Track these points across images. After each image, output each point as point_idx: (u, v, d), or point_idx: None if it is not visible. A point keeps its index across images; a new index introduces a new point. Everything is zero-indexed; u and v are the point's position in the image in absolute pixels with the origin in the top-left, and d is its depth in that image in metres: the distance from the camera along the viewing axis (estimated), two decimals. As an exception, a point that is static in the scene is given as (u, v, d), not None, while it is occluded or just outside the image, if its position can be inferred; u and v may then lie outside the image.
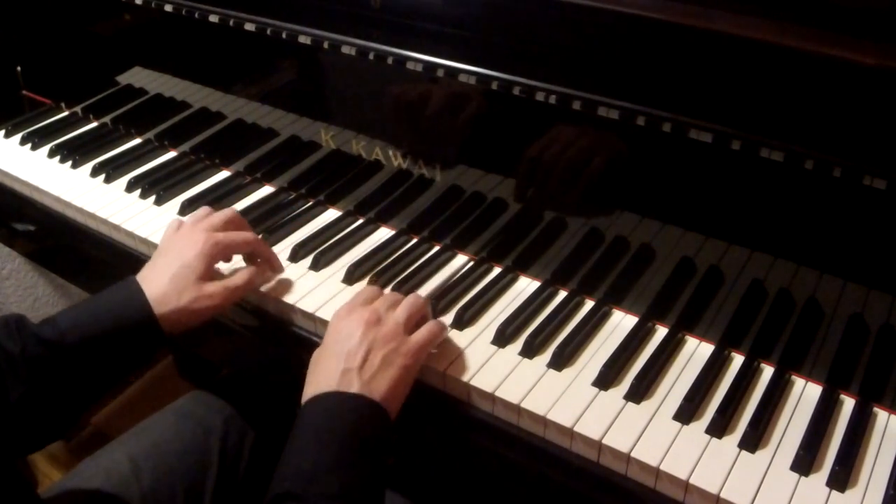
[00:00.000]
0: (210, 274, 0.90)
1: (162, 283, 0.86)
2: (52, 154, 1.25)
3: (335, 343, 0.82)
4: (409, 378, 0.81)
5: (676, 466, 0.75)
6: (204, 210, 0.98)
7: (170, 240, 0.94)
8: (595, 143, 0.88)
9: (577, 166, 0.90)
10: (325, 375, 0.79)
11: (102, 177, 1.19)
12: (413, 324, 0.85)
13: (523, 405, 0.81)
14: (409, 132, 1.01)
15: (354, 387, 0.77)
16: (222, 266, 0.98)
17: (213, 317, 0.90)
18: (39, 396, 0.80)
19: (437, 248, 1.04)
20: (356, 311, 0.85)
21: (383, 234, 1.08)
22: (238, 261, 0.99)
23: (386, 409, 0.77)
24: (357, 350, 0.80)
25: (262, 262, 0.97)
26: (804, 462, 0.75)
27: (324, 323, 0.91)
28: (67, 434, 1.69)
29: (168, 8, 1.11)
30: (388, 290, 0.94)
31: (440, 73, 0.92)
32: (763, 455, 0.77)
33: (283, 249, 1.03)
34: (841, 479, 0.74)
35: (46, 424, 0.83)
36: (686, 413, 0.80)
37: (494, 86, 0.89)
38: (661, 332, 0.91)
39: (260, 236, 1.00)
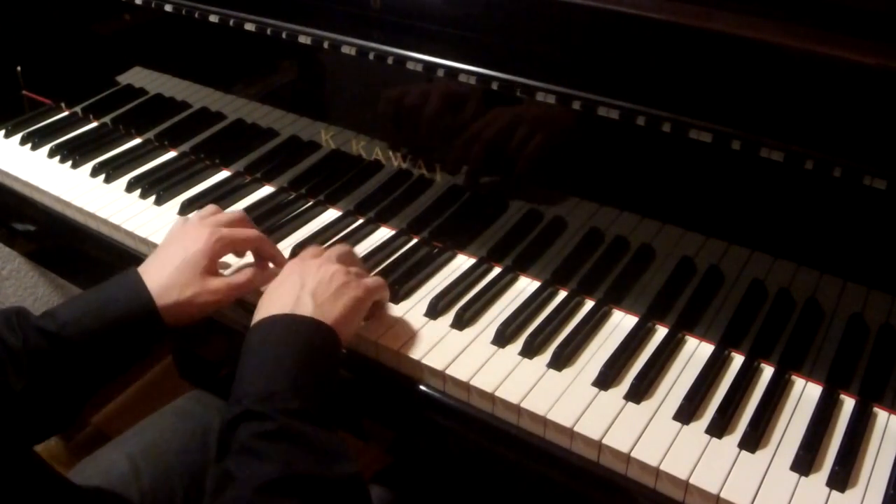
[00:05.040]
0: (214, 269, 0.90)
1: (164, 276, 0.86)
2: (52, 154, 1.25)
3: (288, 275, 0.85)
4: (360, 311, 0.86)
5: (676, 466, 0.75)
6: (210, 208, 0.98)
7: (174, 234, 0.94)
8: (595, 144, 0.88)
9: (577, 166, 0.90)
10: (278, 301, 0.81)
11: (102, 177, 1.19)
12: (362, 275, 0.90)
13: (523, 405, 0.81)
14: (410, 134, 1.01)
15: (308, 309, 0.79)
16: (232, 261, 0.98)
17: (213, 312, 0.91)
18: (41, 388, 0.80)
19: (437, 248, 1.04)
20: (307, 256, 0.89)
21: (383, 234, 1.08)
22: (248, 258, 0.98)
23: (337, 333, 0.80)
24: (311, 278, 0.83)
25: (267, 261, 0.97)
26: (804, 462, 0.75)
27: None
28: (68, 434, 1.69)
29: (168, 8, 1.11)
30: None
31: (440, 73, 0.92)
32: (763, 455, 0.77)
33: (283, 249, 1.03)
34: (841, 479, 0.74)
35: (48, 417, 0.83)
36: (686, 413, 0.80)
37: (494, 86, 0.89)
38: (661, 332, 0.91)
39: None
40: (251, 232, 0.95)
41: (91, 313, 0.83)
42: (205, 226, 0.92)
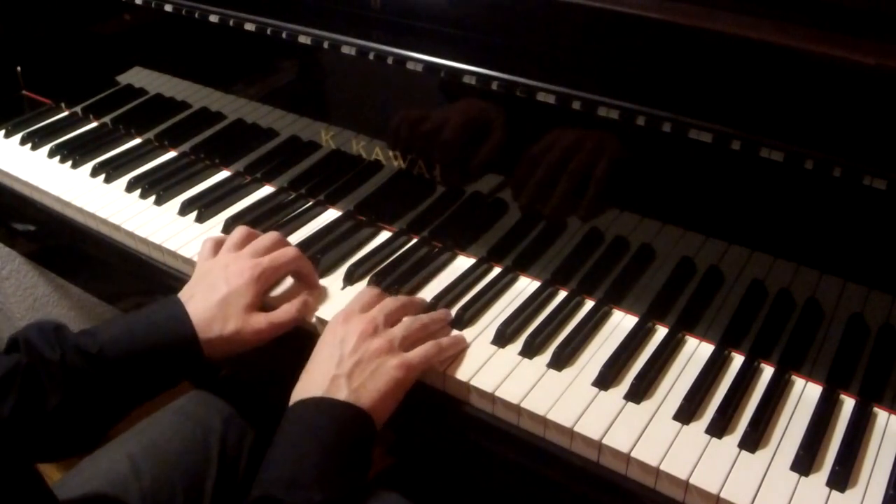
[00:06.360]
0: (257, 304, 0.89)
1: (208, 308, 0.86)
2: (52, 154, 1.25)
3: (328, 346, 0.83)
4: (400, 391, 0.81)
5: (676, 466, 0.75)
6: (242, 232, 0.97)
7: (212, 264, 0.93)
8: (595, 144, 0.88)
9: (577, 166, 0.90)
10: (313, 379, 0.80)
11: (102, 177, 1.19)
12: (411, 341, 0.85)
13: (523, 405, 0.81)
14: (412, 138, 1.01)
15: (342, 393, 0.77)
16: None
17: (253, 347, 0.89)
18: (75, 407, 0.80)
19: (437, 248, 1.04)
20: (354, 319, 0.85)
21: (383, 234, 1.08)
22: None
23: (372, 417, 0.78)
24: (349, 357, 0.80)
25: (307, 291, 0.95)
26: (804, 462, 0.75)
27: (324, 324, 0.91)
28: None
29: (168, 8, 1.11)
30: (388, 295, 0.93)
31: (441, 73, 0.92)
32: (763, 455, 0.77)
33: (283, 249, 1.03)
34: (841, 479, 0.74)
35: (77, 435, 0.83)
36: (686, 413, 0.80)
37: (494, 86, 0.89)
38: (661, 332, 0.91)
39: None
40: (290, 254, 0.94)
41: (132, 338, 0.83)
42: (245, 257, 0.92)
